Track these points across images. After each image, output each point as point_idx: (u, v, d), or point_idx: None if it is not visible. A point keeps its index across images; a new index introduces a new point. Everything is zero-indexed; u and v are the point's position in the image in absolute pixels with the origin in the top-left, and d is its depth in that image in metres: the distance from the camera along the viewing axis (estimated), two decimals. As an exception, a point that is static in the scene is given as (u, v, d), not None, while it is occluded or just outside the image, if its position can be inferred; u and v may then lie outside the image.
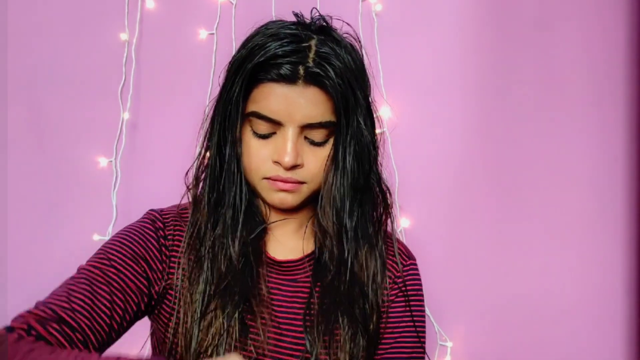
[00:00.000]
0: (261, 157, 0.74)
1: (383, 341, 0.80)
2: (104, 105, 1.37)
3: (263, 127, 0.73)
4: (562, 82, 1.38)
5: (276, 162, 0.73)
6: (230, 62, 0.75)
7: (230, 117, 0.74)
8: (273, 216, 0.81)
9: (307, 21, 0.76)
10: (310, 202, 0.80)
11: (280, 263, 0.79)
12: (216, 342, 0.71)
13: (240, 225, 0.76)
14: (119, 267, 0.73)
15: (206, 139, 0.78)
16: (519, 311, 1.37)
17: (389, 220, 0.83)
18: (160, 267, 0.76)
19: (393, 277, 0.83)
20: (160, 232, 0.78)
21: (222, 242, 0.75)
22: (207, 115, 0.78)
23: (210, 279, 0.74)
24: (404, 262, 0.85)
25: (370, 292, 0.78)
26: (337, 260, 0.77)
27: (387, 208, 0.81)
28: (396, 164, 1.33)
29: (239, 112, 0.73)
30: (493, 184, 1.37)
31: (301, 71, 0.70)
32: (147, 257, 0.75)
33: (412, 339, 0.81)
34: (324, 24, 0.76)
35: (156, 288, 0.76)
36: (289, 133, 0.71)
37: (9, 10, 1.38)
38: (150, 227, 0.78)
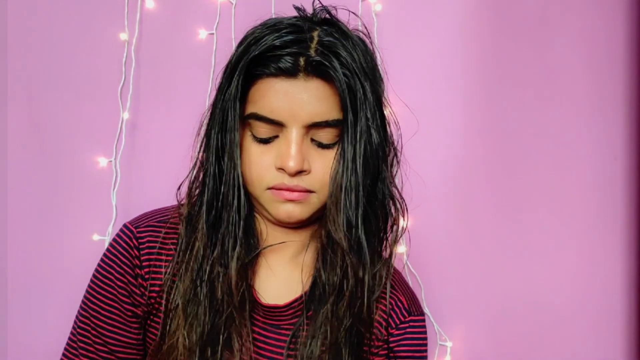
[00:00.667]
0: (263, 165, 0.65)
1: None
2: (103, 105, 1.37)
3: (264, 130, 0.64)
4: (563, 80, 1.38)
5: (280, 169, 0.64)
6: (226, 64, 0.67)
7: (227, 122, 0.64)
8: (270, 237, 0.71)
9: (309, 15, 0.67)
10: (314, 222, 0.71)
11: (264, 307, 0.70)
12: None
13: (238, 247, 0.66)
14: (109, 320, 0.69)
15: (202, 149, 0.69)
16: (518, 311, 1.37)
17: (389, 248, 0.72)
18: (141, 299, 0.70)
19: (384, 332, 0.72)
20: (136, 260, 0.70)
21: (219, 269, 0.66)
22: (203, 122, 0.70)
23: (208, 311, 0.66)
24: (401, 319, 0.74)
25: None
26: (353, 280, 0.66)
27: (393, 224, 0.70)
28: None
29: (237, 116, 0.64)
30: (493, 184, 1.37)
31: (302, 62, 0.61)
32: (129, 291, 0.70)
33: None
34: (328, 16, 0.67)
35: (140, 314, 0.71)
36: (293, 134, 0.63)
37: (8, 10, 1.38)
38: (125, 257, 0.70)
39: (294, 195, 0.65)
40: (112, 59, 1.37)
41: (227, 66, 0.66)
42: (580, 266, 1.38)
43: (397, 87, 1.37)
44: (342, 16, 1.31)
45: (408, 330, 0.73)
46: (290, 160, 0.62)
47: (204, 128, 0.69)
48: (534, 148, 1.38)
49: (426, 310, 1.35)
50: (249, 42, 0.63)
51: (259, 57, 0.62)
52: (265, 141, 0.65)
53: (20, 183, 1.39)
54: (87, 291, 0.71)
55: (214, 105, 0.67)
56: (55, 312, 1.35)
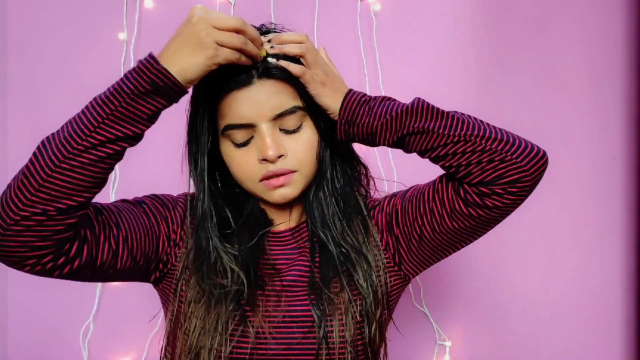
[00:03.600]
0: (249, 163, 0.77)
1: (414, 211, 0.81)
2: (102, 105, 1.37)
3: (240, 136, 0.77)
4: (561, 81, 1.39)
5: (263, 160, 0.76)
6: (190, 101, 0.81)
7: (202, 145, 0.78)
8: (274, 215, 0.85)
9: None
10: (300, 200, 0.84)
11: (279, 234, 0.84)
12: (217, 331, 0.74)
13: (245, 232, 0.80)
14: (145, 208, 0.79)
15: (191, 172, 0.82)
16: (517, 311, 1.37)
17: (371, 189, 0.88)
18: (173, 238, 0.80)
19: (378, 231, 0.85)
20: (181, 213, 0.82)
21: (225, 255, 0.78)
22: (184, 152, 0.83)
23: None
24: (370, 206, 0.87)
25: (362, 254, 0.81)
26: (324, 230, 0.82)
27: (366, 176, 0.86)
28: (395, 164, 1.33)
29: (212, 136, 0.78)
30: (492, 183, 1.37)
31: (253, 72, 0.75)
32: (169, 223, 0.80)
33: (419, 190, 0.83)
34: (271, 29, 0.81)
35: (163, 255, 0.79)
36: (263, 129, 0.75)
37: (8, 11, 1.38)
38: (182, 207, 0.82)
39: (281, 180, 0.77)
40: (111, 58, 1.37)
41: (193, 101, 0.81)
42: (579, 266, 1.38)
43: (396, 86, 1.37)
44: (341, 17, 1.30)
45: (376, 205, 0.87)
46: (268, 150, 0.75)
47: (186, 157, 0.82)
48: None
49: (425, 309, 1.35)
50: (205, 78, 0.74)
51: (219, 80, 0.75)
52: (244, 145, 0.77)
53: (19, 183, 1.38)
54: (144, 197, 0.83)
55: (189, 139, 0.81)
56: (55, 311, 1.35)
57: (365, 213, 0.83)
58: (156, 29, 1.39)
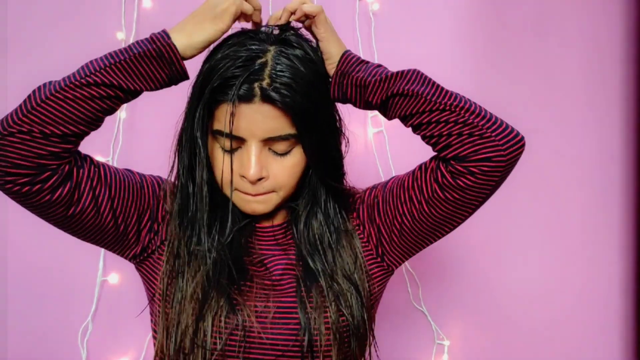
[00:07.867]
0: (230, 172, 0.78)
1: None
2: (101, 104, 1.37)
3: (228, 144, 0.76)
4: (559, 81, 1.39)
5: (243, 176, 0.77)
6: (192, 86, 0.80)
7: (196, 139, 0.78)
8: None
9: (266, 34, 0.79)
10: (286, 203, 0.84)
11: (262, 228, 0.85)
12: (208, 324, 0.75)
13: (226, 230, 0.81)
14: (143, 181, 0.82)
15: (176, 163, 0.82)
16: (516, 310, 1.38)
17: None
18: (160, 220, 0.82)
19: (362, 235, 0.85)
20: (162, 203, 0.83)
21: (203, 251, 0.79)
22: (175, 139, 0.83)
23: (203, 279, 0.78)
24: (352, 207, 0.87)
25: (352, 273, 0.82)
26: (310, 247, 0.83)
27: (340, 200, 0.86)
28: (393, 164, 1.33)
29: (204, 132, 0.78)
30: (490, 183, 1.37)
31: (257, 90, 0.73)
32: (160, 203, 0.82)
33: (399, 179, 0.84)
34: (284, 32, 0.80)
35: (146, 231, 0.81)
36: (252, 148, 0.76)
37: (8, 10, 1.37)
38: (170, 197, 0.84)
39: (258, 198, 0.79)
40: (109, 58, 1.37)
41: (192, 90, 0.79)
42: (577, 266, 1.39)
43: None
44: (340, 16, 1.31)
45: (357, 201, 0.88)
46: (250, 170, 0.76)
47: (176, 145, 0.83)
48: (530, 148, 1.38)
49: (424, 309, 1.36)
50: (209, 71, 0.76)
51: (220, 85, 0.74)
52: (230, 152, 0.77)
53: (18, 182, 1.38)
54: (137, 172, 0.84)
55: (184, 126, 0.81)
56: (54, 310, 1.35)
57: (352, 233, 0.84)
58: (154, 29, 1.38)
